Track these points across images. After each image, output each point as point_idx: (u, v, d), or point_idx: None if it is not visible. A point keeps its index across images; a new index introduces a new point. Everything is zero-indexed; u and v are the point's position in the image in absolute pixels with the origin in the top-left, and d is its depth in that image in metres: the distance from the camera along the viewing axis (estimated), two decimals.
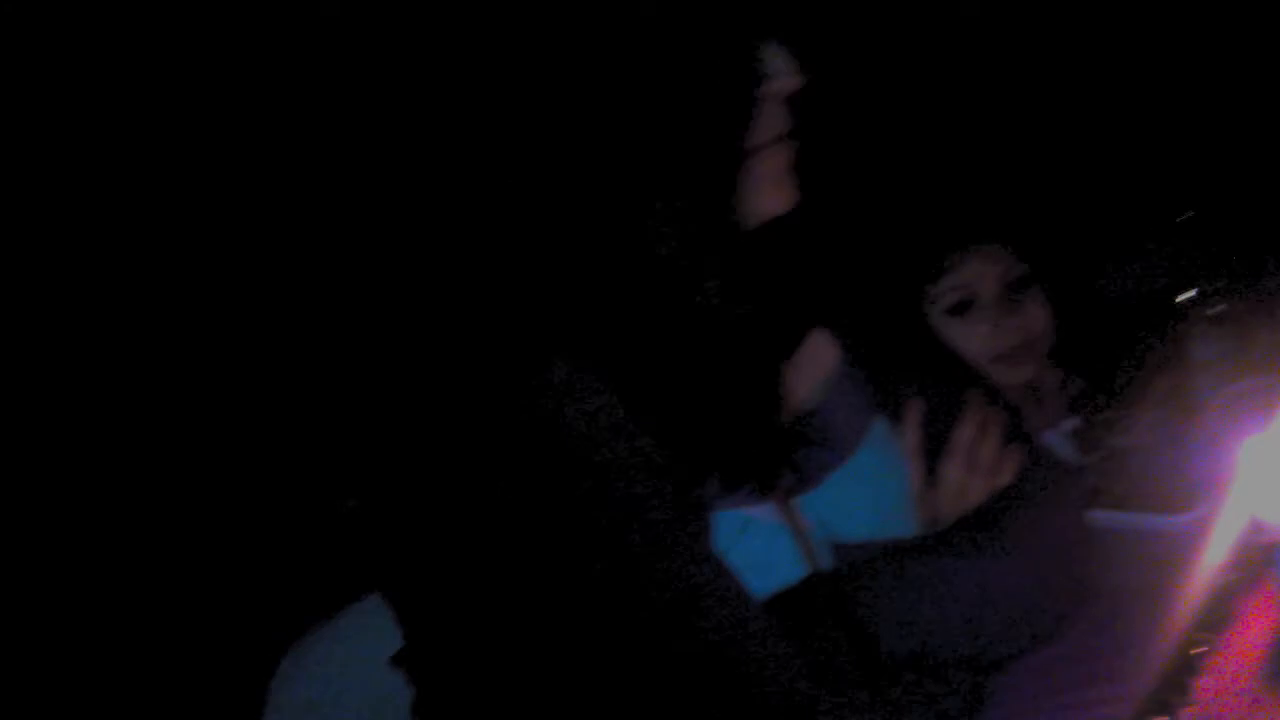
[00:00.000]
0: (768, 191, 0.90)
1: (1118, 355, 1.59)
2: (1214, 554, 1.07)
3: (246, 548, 1.78)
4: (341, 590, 1.20)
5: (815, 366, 1.01)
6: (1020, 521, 1.00)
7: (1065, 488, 1.07)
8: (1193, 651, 1.00)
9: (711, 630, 0.80)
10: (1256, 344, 1.37)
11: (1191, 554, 1.11)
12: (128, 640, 1.79)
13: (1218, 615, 1.03)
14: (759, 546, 0.90)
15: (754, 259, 0.94)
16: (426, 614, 0.87)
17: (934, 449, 1.04)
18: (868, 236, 1.09)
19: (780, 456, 0.91)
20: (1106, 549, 1.08)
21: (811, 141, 0.93)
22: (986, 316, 1.55)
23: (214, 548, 1.79)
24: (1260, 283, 1.44)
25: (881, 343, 1.06)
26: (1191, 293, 1.48)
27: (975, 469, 1.04)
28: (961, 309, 1.55)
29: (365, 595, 1.18)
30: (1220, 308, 1.46)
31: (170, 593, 1.79)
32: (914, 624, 0.89)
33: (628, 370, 0.85)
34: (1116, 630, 1.06)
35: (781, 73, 0.89)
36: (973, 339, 1.53)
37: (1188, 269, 1.58)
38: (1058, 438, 1.51)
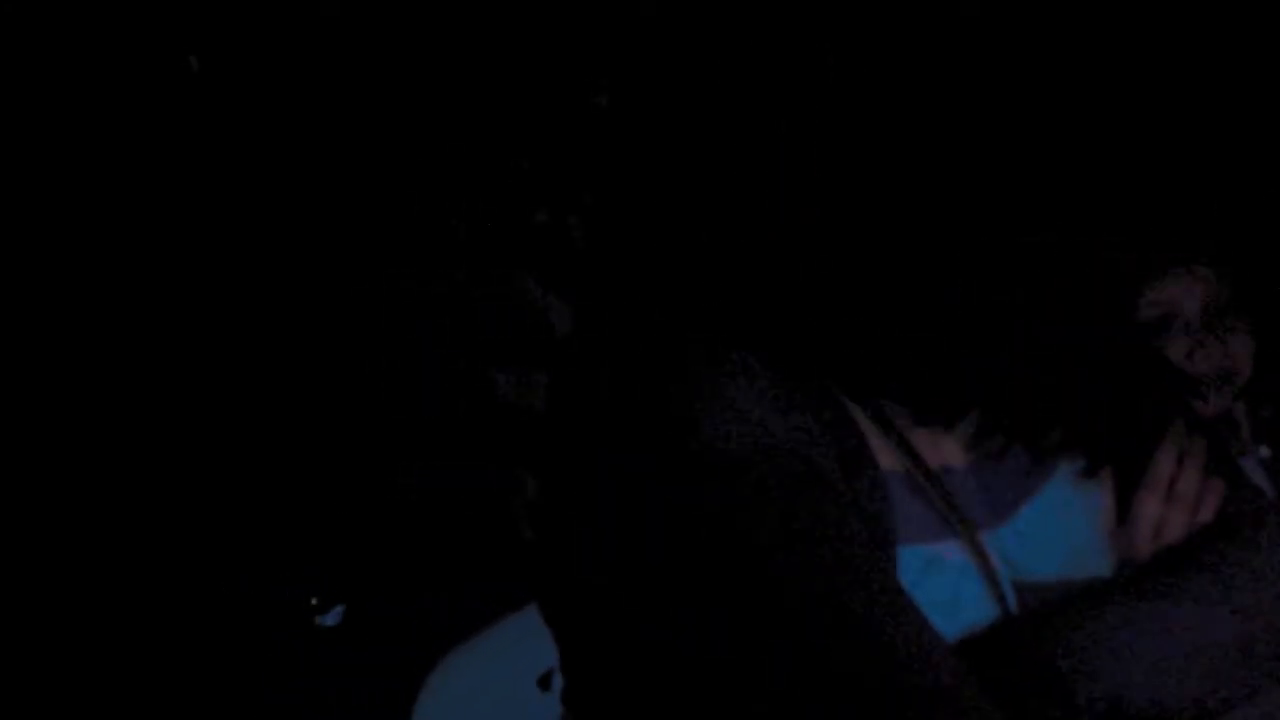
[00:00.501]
0: None
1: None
2: None
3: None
4: (489, 607, 1.19)
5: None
6: (1227, 561, 0.92)
7: (1274, 524, 0.98)
8: None
9: (900, 670, 0.74)
10: None
11: None
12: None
13: None
14: (945, 585, 0.84)
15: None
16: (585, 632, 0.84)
17: (1130, 481, 0.97)
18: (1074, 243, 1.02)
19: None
20: None
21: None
22: (1188, 337, 1.46)
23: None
24: None
25: (1075, 365, 0.98)
26: None
27: (1174, 503, 0.96)
28: (1161, 327, 1.46)
29: (511, 613, 1.17)
30: None
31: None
32: (1113, 673, 0.82)
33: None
34: None
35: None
36: (1169, 359, 1.44)
37: None
38: (1252, 466, 1.41)
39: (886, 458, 0.86)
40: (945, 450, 0.90)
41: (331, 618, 1.85)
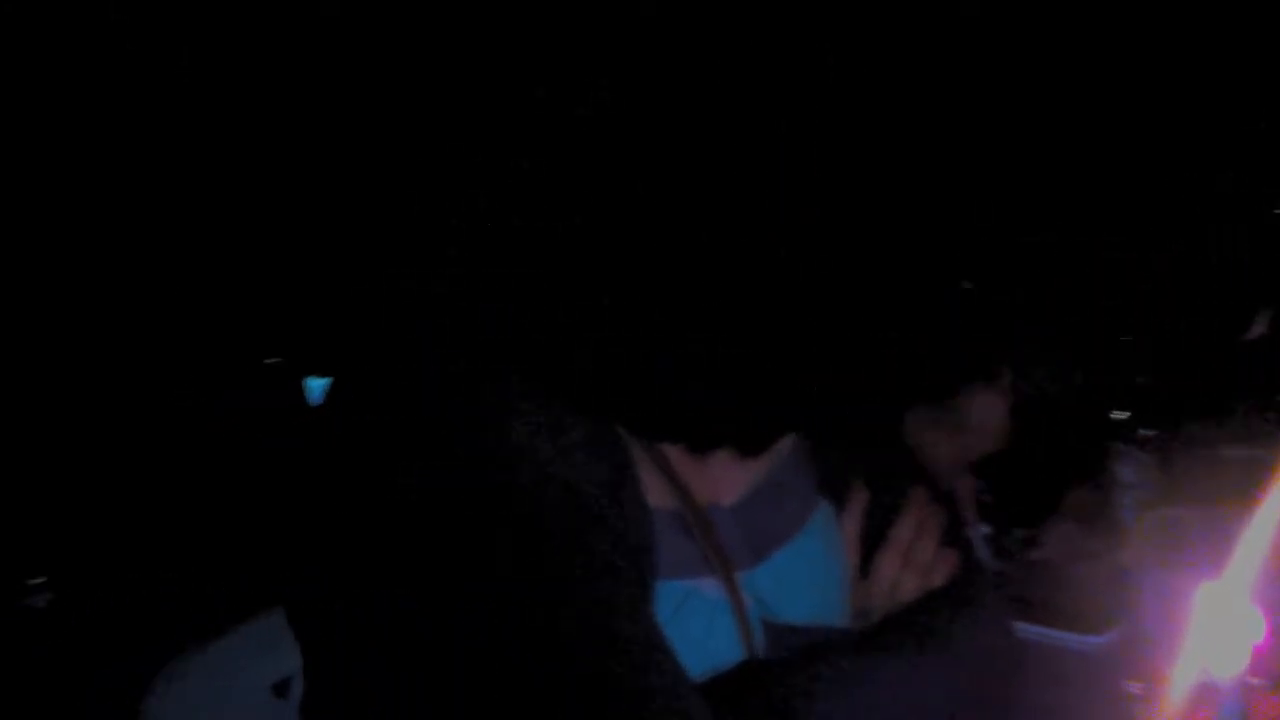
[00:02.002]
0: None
1: (1037, 464, 1.60)
2: (1126, 680, 1.07)
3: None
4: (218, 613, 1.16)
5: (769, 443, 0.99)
6: (947, 626, 0.98)
7: (994, 596, 1.06)
8: None
9: (651, 701, 0.76)
10: (1183, 474, 1.39)
11: (1102, 677, 1.11)
12: None
13: None
14: (700, 621, 0.87)
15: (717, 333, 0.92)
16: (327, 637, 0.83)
17: (873, 541, 1.03)
18: (838, 318, 1.07)
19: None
20: (1026, 662, 1.07)
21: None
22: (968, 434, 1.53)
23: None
24: (1186, 424, 1.46)
25: (837, 428, 1.04)
26: (1124, 414, 1.50)
27: (910, 567, 1.03)
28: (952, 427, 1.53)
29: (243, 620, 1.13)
30: (1150, 432, 1.48)
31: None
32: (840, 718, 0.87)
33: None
34: None
35: None
36: (943, 445, 1.50)
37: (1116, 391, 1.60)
38: (976, 540, 1.51)
39: (656, 494, 0.88)
40: (717, 488, 0.94)
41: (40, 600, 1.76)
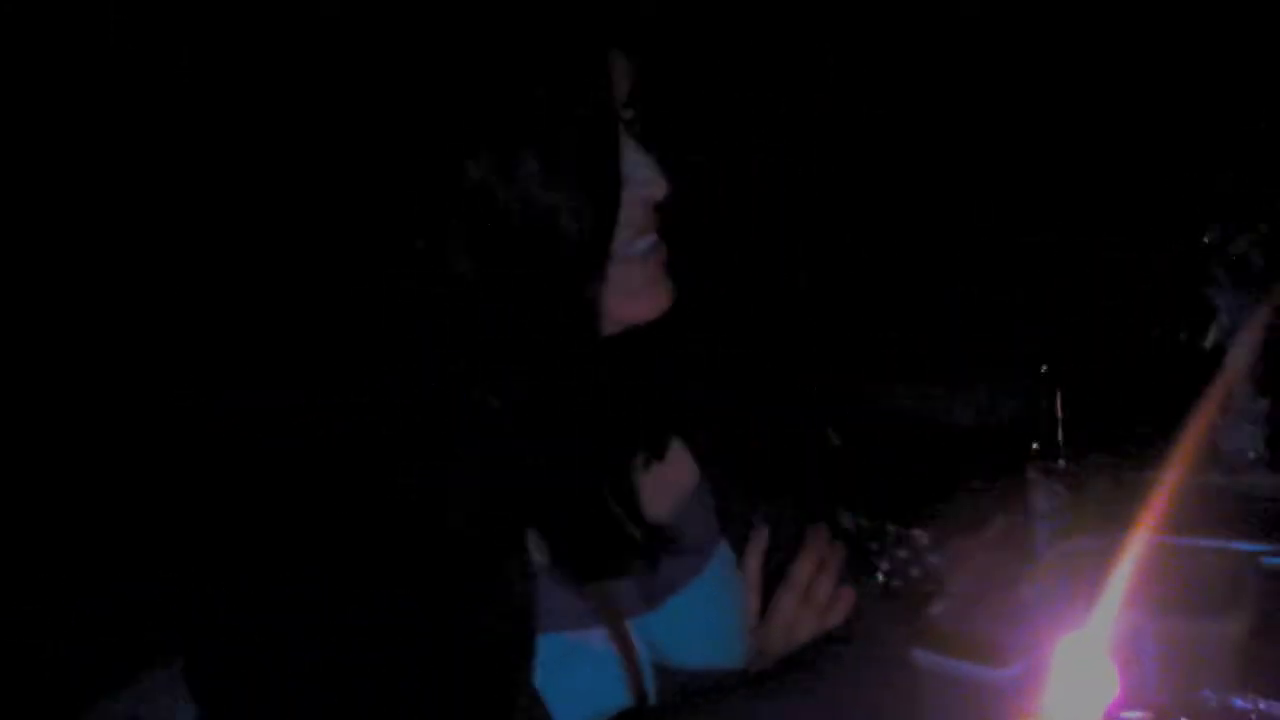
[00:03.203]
0: (634, 299, 0.89)
1: (947, 483, 1.62)
2: (1023, 715, 1.08)
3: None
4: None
5: (668, 482, 1.00)
6: (842, 665, 1.00)
7: (898, 631, 1.08)
8: None
9: None
10: (1095, 505, 1.41)
11: (1002, 711, 1.13)
12: None
13: None
14: (584, 673, 0.88)
15: (619, 364, 0.93)
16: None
17: (772, 580, 1.04)
18: (739, 350, 1.09)
19: (626, 562, 0.90)
20: (924, 692, 1.09)
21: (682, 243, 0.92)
22: None
23: None
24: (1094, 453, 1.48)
25: (734, 466, 1.06)
26: (1036, 445, 1.52)
27: (808, 605, 1.04)
28: None
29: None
30: (1063, 463, 1.49)
31: None
32: None
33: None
34: None
35: (650, 181, 0.87)
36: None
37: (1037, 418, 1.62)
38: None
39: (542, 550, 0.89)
40: None
41: None
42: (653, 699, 0.92)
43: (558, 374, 0.86)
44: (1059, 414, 1.54)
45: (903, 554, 1.48)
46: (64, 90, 1.73)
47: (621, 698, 0.89)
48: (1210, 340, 1.80)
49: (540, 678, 0.84)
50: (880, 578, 1.45)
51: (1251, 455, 1.70)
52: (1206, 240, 1.72)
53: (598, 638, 0.89)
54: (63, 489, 1.71)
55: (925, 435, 1.59)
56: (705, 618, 0.99)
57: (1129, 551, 1.03)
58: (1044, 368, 1.55)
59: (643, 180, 0.86)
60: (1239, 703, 1.04)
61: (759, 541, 1.05)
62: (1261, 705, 1.03)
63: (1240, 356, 1.76)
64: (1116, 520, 1.31)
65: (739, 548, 1.04)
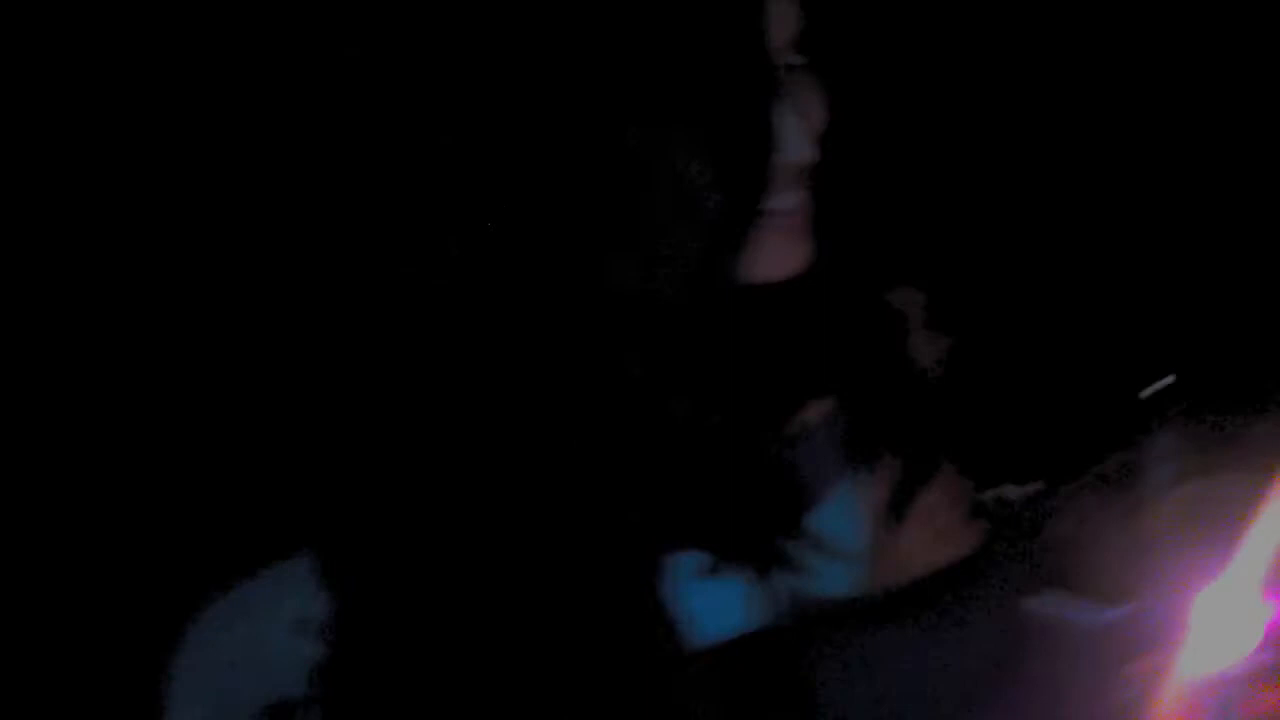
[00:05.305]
0: (777, 258, 0.88)
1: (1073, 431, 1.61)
2: (1136, 658, 1.09)
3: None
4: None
5: (797, 416, 1.02)
6: (967, 599, 1.01)
7: (1016, 568, 1.08)
8: None
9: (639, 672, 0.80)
10: (1214, 451, 1.39)
11: (1112, 653, 1.13)
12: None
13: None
14: (717, 590, 0.90)
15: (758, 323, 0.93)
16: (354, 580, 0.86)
17: (899, 514, 1.05)
18: (871, 300, 1.09)
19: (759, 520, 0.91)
20: (1042, 634, 1.10)
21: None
22: None
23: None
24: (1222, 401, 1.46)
25: (865, 401, 1.06)
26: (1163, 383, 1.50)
27: (931, 539, 1.05)
28: None
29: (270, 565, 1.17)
30: (1188, 406, 1.47)
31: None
32: (859, 695, 0.90)
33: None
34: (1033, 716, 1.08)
35: (799, 148, 0.85)
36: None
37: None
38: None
39: None
40: None
41: None
42: (778, 622, 0.94)
43: (694, 335, 0.87)
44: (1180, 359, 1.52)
45: (1026, 507, 1.48)
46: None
47: (753, 616, 0.91)
48: None
49: (672, 592, 0.86)
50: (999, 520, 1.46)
51: None
52: None
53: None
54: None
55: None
56: (831, 541, 1.01)
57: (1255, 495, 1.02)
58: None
59: (793, 147, 0.85)
60: None
61: (886, 473, 1.05)
62: None
63: None
64: (1240, 469, 1.30)
65: (868, 478, 1.05)
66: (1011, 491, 1.52)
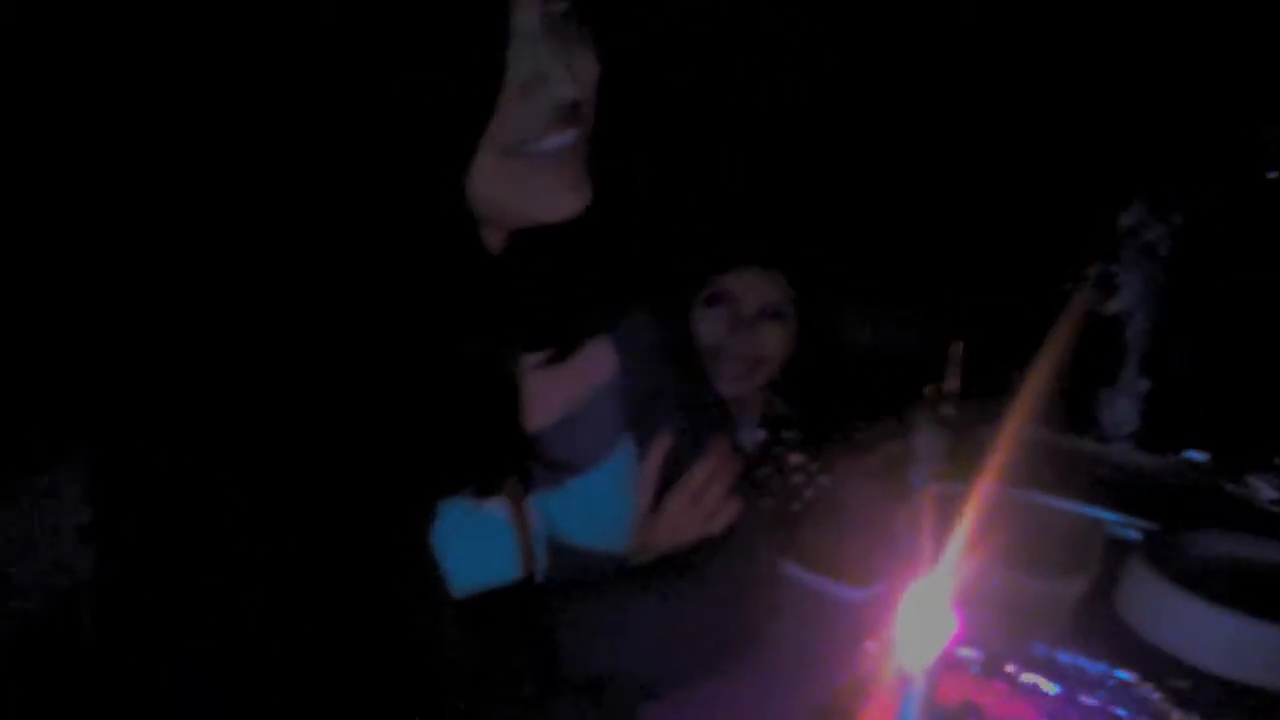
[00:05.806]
0: (542, 198, 0.90)
1: (841, 409, 1.70)
2: (870, 637, 1.17)
3: None
4: None
5: (579, 376, 1.05)
6: (716, 567, 1.07)
7: (757, 534, 1.15)
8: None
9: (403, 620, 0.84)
10: (976, 452, 1.49)
11: (854, 629, 1.22)
12: None
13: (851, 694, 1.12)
14: (481, 540, 0.94)
15: (532, 264, 0.97)
16: None
17: (668, 480, 1.10)
18: (652, 251, 1.13)
19: (519, 460, 0.95)
20: (787, 602, 1.17)
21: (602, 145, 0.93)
22: (731, 318, 1.64)
23: None
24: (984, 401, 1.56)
25: (649, 366, 1.11)
26: (930, 387, 1.60)
27: (696, 508, 1.11)
28: (713, 301, 1.64)
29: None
30: (950, 409, 1.58)
31: None
32: (602, 649, 0.95)
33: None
34: (770, 680, 1.15)
35: (560, 81, 0.86)
36: (710, 333, 1.62)
37: (934, 356, 1.69)
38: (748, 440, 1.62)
39: None
40: (528, 414, 0.99)
41: None
42: (541, 574, 0.98)
43: (440, 270, 0.88)
44: (958, 359, 1.63)
45: (796, 477, 1.57)
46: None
47: (512, 569, 0.95)
48: (1110, 309, 1.89)
49: (436, 541, 0.89)
50: (767, 495, 1.54)
51: (1127, 430, 1.81)
52: (1124, 222, 1.80)
53: (497, 508, 0.95)
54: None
55: (826, 354, 1.67)
56: (601, 503, 1.05)
57: (986, 501, 1.10)
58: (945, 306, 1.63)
59: (554, 79, 0.86)
60: (1064, 658, 1.15)
61: (662, 444, 1.10)
62: (1082, 663, 1.14)
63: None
64: (990, 470, 1.40)
65: (643, 446, 1.10)
66: (784, 473, 1.61)
